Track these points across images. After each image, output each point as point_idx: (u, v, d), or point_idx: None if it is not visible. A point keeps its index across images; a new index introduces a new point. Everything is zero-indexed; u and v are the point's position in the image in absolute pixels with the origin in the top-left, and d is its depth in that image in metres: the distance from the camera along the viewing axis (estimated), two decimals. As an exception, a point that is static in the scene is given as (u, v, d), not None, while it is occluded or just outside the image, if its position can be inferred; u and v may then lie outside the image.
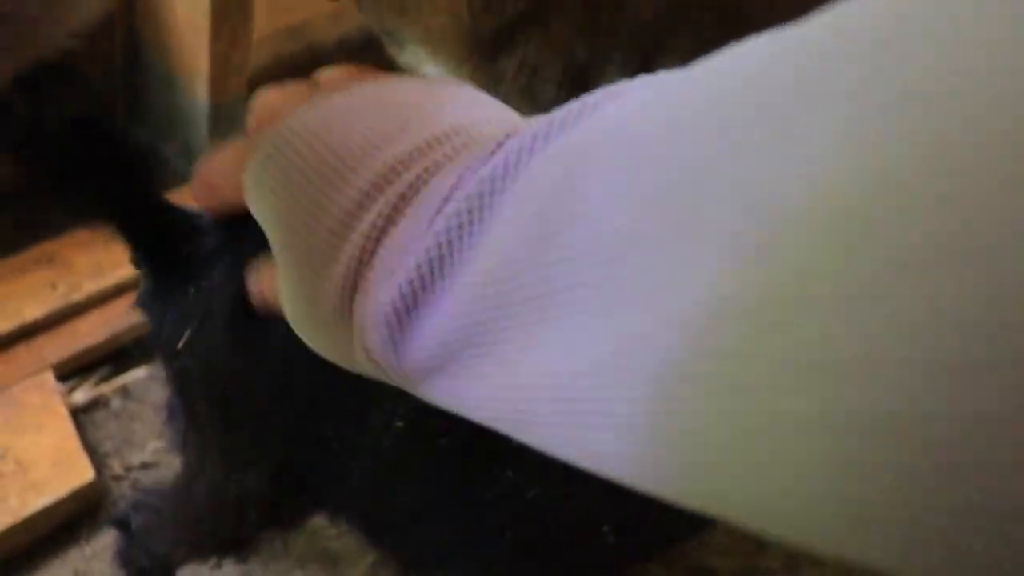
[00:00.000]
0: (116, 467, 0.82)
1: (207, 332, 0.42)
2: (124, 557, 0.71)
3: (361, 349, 0.28)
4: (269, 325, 0.40)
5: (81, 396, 0.85)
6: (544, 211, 0.22)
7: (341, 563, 0.76)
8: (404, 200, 0.26)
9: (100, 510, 0.78)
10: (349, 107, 0.30)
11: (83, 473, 0.75)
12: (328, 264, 0.28)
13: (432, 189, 0.26)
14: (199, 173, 0.36)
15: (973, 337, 0.13)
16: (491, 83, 0.43)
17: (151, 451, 0.83)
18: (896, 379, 0.14)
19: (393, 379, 0.28)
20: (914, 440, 0.14)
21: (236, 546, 0.63)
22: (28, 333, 0.83)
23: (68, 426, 0.78)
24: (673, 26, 0.36)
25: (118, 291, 0.87)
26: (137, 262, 0.45)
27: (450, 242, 0.24)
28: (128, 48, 0.91)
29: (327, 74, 0.37)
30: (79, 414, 0.84)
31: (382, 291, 0.26)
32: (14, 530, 0.71)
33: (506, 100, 0.28)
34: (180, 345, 0.43)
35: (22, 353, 0.82)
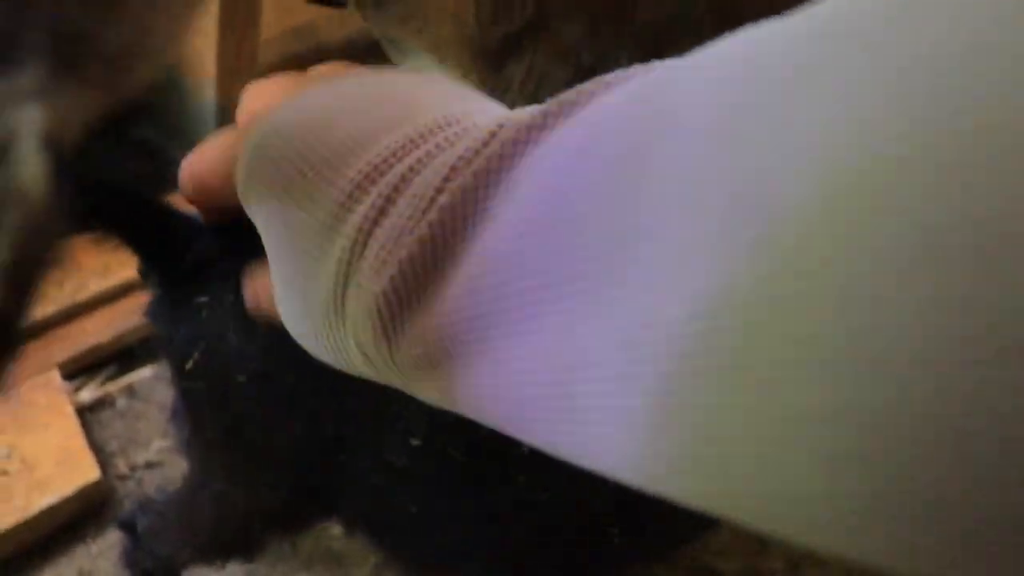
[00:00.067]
0: (121, 466, 0.82)
1: (218, 354, 0.42)
2: (129, 558, 0.71)
3: (354, 345, 0.27)
4: (282, 348, 0.40)
5: (87, 395, 0.85)
6: (542, 203, 0.22)
7: (346, 563, 0.76)
8: (396, 191, 0.26)
9: (106, 509, 0.78)
10: (341, 98, 0.30)
11: (88, 472, 0.75)
12: (320, 257, 0.27)
13: (424, 180, 0.25)
14: (186, 168, 0.36)
15: (975, 329, 0.13)
16: (498, 90, 0.43)
17: (156, 450, 0.83)
18: (897, 372, 0.14)
19: (387, 377, 0.28)
20: (917, 434, 0.14)
21: (241, 551, 0.63)
22: (34, 332, 0.83)
23: (74, 425, 0.79)
24: (677, 29, 0.36)
25: (124, 291, 0.87)
26: (145, 272, 0.45)
27: (444, 234, 0.24)
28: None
29: (320, 69, 0.36)
30: (85, 413, 0.84)
31: (374, 282, 0.25)
32: (20, 528, 0.71)
33: (513, 107, 0.28)
34: (189, 366, 0.43)
35: (28, 352, 0.82)
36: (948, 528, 0.15)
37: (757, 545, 0.75)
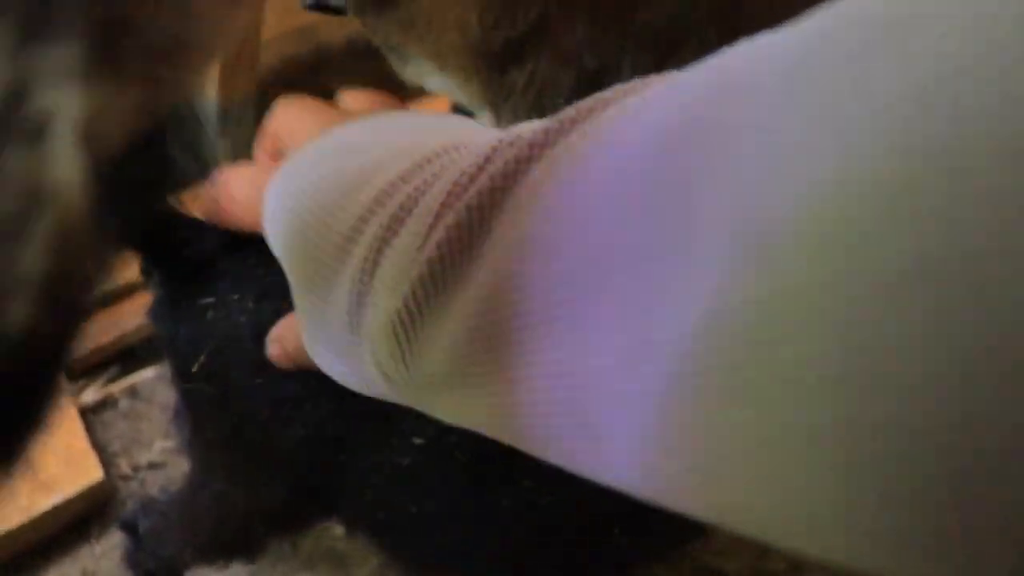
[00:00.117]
0: (124, 466, 0.82)
1: (222, 358, 0.42)
2: (132, 559, 0.71)
3: (373, 365, 0.28)
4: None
5: (90, 396, 0.86)
6: (544, 222, 0.22)
7: (349, 564, 0.76)
8: (402, 212, 0.26)
9: (109, 509, 0.78)
10: (354, 141, 0.31)
11: (92, 472, 0.75)
12: (335, 282, 0.28)
13: (429, 200, 0.26)
14: (213, 193, 0.37)
15: (971, 349, 0.13)
16: (501, 96, 0.43)
17: (159, 451, 0.83)
18: (895, 390, 0.14)
19: (407, 396, 0.28)
20: (914, 450, 0.14)
21: (243, 553, 0.63)
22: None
23: (77, 426, 0.79)
24: (681, 34, 0.36)
25: (127, 291, 0.87)
26: (148, 273, 0.45)
27: (451, 253, 0.24)
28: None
29: (349, 99, 0.37)
30: (88, 414, 0.84)
31: (388, 300, 0.26)
32: (24, 529, 0.71)
33: (516, 113, 0.28)
34: (194, 368, 0.43)
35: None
36: (941, 535, 0.15)
37: (760, 545, 0.75)
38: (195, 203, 0.38)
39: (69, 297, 0.14)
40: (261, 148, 0.37)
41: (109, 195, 0.14)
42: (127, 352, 0.89)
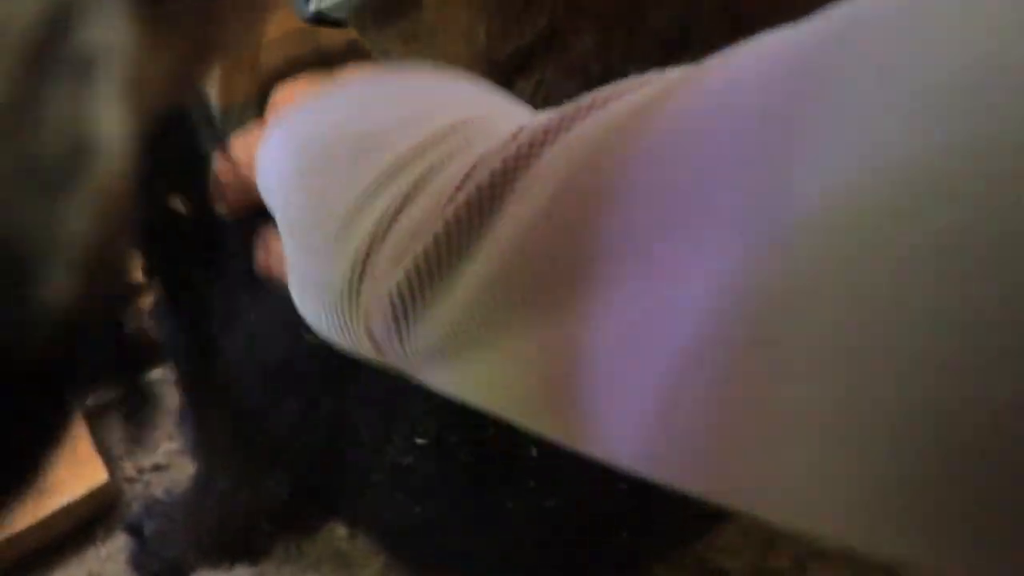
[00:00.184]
0: (129, 469, 0.82)
1: (221, 345, 0.42)
2: (137, 561, 0.71)
3: (365, 334, 0.28)
4: (290, 348, 0.40)
5: (94, 399, 0.86)
6: (556, 202, 0.22)
7: (353, 565, 0.76)
8: (417, 187, 0.26)
9: (114, 511, 0.78)
10: (369, 93, 0.31)
11: (97, 475, 0.76)
12: (339, 246, 0.28)
13: (445, 177, 0.26)
14: (227, 152, 0.37)
15: (988, 332, 0.13)
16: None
17: (163, 453, 0.83)
18: (908, 369, 0.14)
19: (395, 364, 0.28)
20: (929, 430, 0.14)
21: (248, 555, 0.63)
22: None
23: (82, 429, 0.79)
24: (686, 38, 0.36)
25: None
26: (150, 273, 0.45)
27: (459, 231, 0.24)
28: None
29: (348, 72, 0.37)
30: (92, 417, 0.84)
31: (389, 275, 0.26)
32: (29, 531, 0.72)
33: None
34: (196, 365, 0.43)
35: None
36: (948, 513, 0.15)
37: (764, 544, 0.75)
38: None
39: (111, 273, 0.13)
40: (267, 121, 0.37)
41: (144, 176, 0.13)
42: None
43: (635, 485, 0.45)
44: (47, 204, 0.11)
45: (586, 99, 0.24)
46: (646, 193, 0.20)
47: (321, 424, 0.45)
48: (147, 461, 0.83)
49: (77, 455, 0.77)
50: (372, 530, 0.54)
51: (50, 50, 0.11)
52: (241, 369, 0.43)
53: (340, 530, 0.76)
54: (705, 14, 0.37)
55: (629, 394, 0.20)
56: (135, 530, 0.71)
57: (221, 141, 0.38)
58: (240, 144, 0.37)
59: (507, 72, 0.42)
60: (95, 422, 0.84)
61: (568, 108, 0.24)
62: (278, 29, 0.95)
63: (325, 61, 0.45)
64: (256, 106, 0.37)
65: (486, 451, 0.45)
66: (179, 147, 0.40)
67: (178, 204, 0.43)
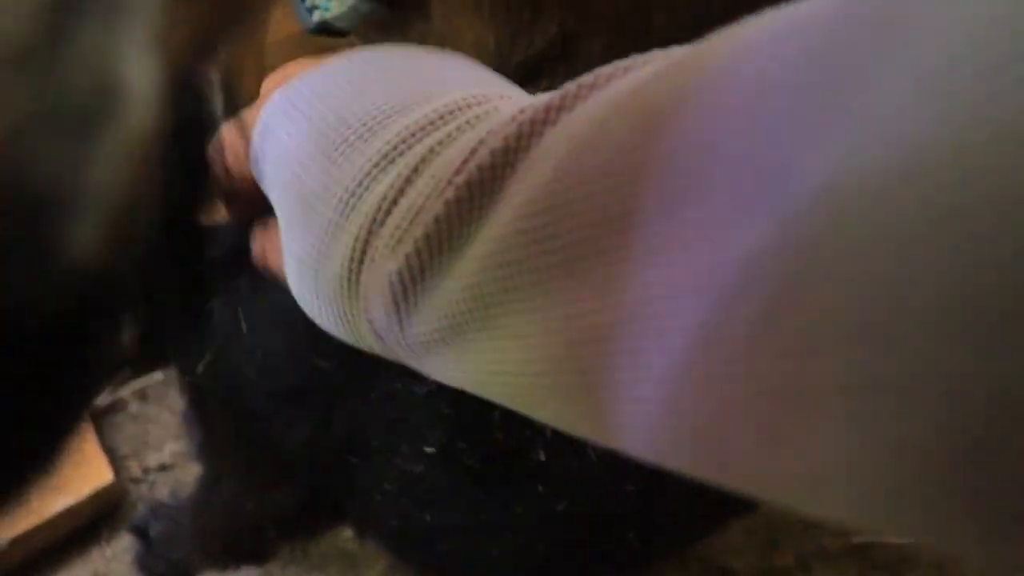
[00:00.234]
0: (134, 469, 0.82)
1: (229, 358, 0.42)
2: (142, 562, 0.71)
3: (365, 321, 0.27)
4: (297, 355, 0.40)
5: (100, 399, 0.86)
6: (557, 179, 0.22)
7: (359, 565, 0.76)
8: (416, 172, 0.26)
9: (119, 511, 0.79)
10: (365, 69, 0.30)
11: (102, 475, 0.76)
12: (337, 231, 0.27)
13: (446, 159, 0.25)
14: (220, 138, 0.36)
15: (997, 304, 0.13)
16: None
17: (169, 453, 0.84)
18: (922, 344, 0.14)
19: (396, 354, 0.28)
20: (940, 407, 0.14)
21: (253, 557, 0.63)
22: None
23: (88, 429, 0.79)
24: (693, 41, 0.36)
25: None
26: (154, 279, 0.45)
27: (460, 212, 0.24)
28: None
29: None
30: (98, 417, 0.84)
31: (389, 259, 0.25)
32: (35, 531, 0.72)
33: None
34: (200, 368, 0.43)
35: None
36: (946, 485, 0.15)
37: (769, 543, 0.75)
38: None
39: (138, 234, 0.12)
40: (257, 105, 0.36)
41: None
42: (136, 355, 0.89)
43: (641, 486, 0.45)
44: (72, 148, 0.10)
45: (588, 78, 0.24)
46: (654, 170, 0.20)
47: (333, 441, 0.45)
48: (152, 461, 0.83)
49: (83, 455, 0.77)
50: (380, 537, 0.54)
51: None
52: (247, 387, 0.43)
53: (345, 531, 0.76)
54: (712, 19, 0.37)
55: (640, 375, 0.20)
56: (140, 532, 0.71)
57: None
58: (232, 132, 0.36)
59: (517, 80, 0.42)
60: (101, 422, 0.84)
61: (570, 87, 0.24)
62: (281, 32, 0.95)
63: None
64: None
65: (494, 457, 0.45)
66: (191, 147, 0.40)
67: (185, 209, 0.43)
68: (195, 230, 0.43)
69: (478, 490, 0.47)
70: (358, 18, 0.41)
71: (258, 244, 0.37)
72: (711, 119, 0.18)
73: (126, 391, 0.87)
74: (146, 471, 0.82)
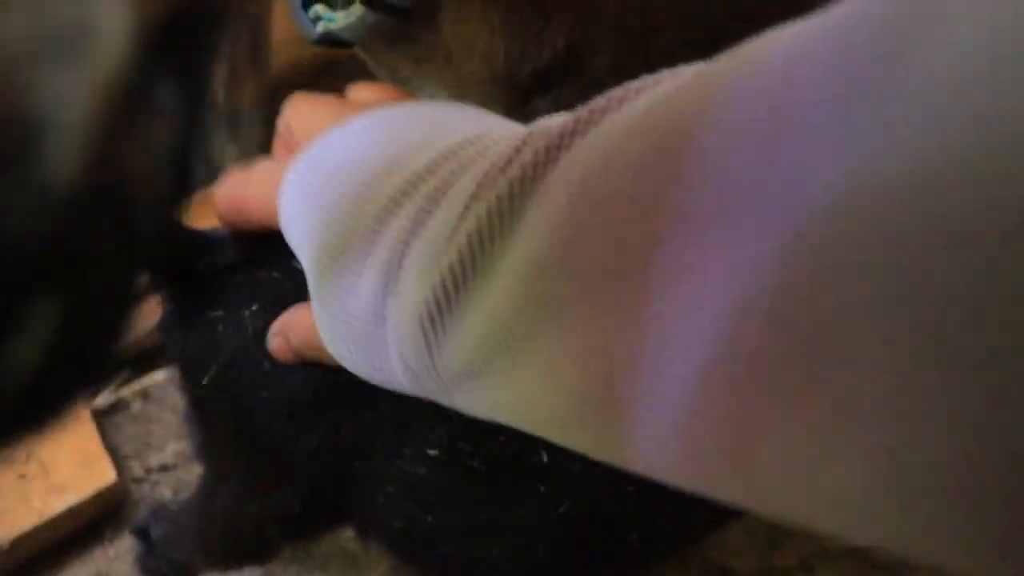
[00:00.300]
0: (137, 469, 0.83)
1: (233, 370, 0.42)
2: (144, 563, 0.71)
3: (398, 357, 0.27)
4: (307, 365, 0.40)
5: (102, 399, 0.86)
6: (574, 207, 0.22)
7: (361, 565, 0.76)
8: (431, 202, 0.26)
9: (122, 511, 0.79)
10: (377, 127, 0.31)
11: (105, 475, 0.76)
12: (361, 270, 0.28)
13: (461, 189, 0.26)
14: (225, 191, 0.37)
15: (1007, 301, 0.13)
16: (521, 123, 0.42)
17: (171, 453, 0.84)
18: (950, 360, 0.14)
19: (430, 390, 0.28)
20: (965, 432, 0.14)
21: (255, 559, 0.63)
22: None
23: (90, 428, 0.79)
24: (699, 53, 0.36)
25: (139, 295, 0.88)
26: (156, 287, 0.45)
27: (481, 241, 0.24)
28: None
29: (357, 93, 0.37)
30: (101, 417, 0.84)
31: (416, 291, 0.26)
32: (37, 531, 0.72)
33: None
34: (205, 380, 0.43)
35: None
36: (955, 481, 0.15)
37: (770, 544, 0.75)
38: (205, 211, 0.38)
39: (121, 159, 0.12)
40: (276, 144, 0.37)
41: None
42: (139, 356, 0.89)
43: (643, 487, 0.45)
44: (50, 73, 0.11)
45: (600, 102, 0.24)
46: (670, 195, 0.20)
47: (337, 447, 0.45)
48: (155, 461, 0.83)
49: (85, 455, 0.77)
50: (382, 538, 0.54)
51: None
52: (253, 398, 0.43)
53: (348, 531, 0.76)
54: (719, 30, 0.37)
55: (662, 401, 0.20)
56: (142, 533, 0.71)
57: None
58: (248, 182, 0.37)
59: (525, 91, 0.42)
60: (103, 422, 0.84)
61: (581, 112, 0.24)
62: (286, 32, 0.95)
63: (333, 64, 0.45)
64: (264, 106, 0.37)
65: (497, 459, 0.45)
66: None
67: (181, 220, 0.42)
68: (193, 236, 0.43)
69: (481, 492, 0.47)
70: (364, 29, 0.41)
71: (277, 326, 0.38)
72: (725, 141, 0.19)
73: (128, 391, 0.87)
74: (148, 471, 0.83)
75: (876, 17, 0.17)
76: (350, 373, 0.32)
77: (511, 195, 0.24)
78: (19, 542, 0.71)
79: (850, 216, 0.15)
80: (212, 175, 0.37)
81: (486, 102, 0.43)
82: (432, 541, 0.51)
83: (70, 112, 0.11)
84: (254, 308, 0.41)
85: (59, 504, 0.73)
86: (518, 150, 0.25)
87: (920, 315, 0.14)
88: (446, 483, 0.46)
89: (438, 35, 0.41)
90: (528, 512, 0.47)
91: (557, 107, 0.41)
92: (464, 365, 0.25)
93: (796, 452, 0.17)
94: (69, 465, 0.76)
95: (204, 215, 0.45)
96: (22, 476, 0.74)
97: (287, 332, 0.38)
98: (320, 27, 0.42)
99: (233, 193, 0.37)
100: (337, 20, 0.41)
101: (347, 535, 0.76)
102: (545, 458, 0.45)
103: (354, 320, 0.29)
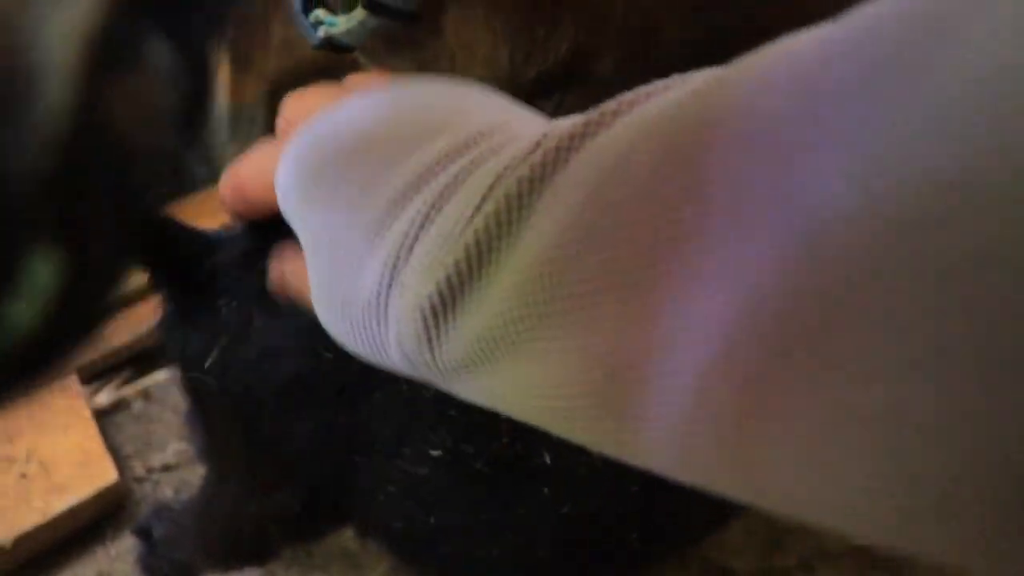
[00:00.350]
0: (138, 468, 0.83)
1: (234, 358, 0.42)
2: (145, 563, 0.71)
3: (395, 345, 0.28)
4: (305, 366, 0.40)
5: (104, 399, 0.86)
6: (584, 209, 0.22)
7: (362, 565, 0.76)
8: (444, 196, 0.26)
9: (123, 511, 0.79)
10: (384, 106, 0.31)
11: (106, 474, 0.76)
12: (366, 257, 0.28)
13: (472, 185, 0.26)
14: (228, 178, 0.36)
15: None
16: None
17: (172, 453, 0.84)
18: (958, 373, 0.14)
19: (424, 376, 0.28)
20: (966, 438, 0.14)
21: (256, 559, 0.63)
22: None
23: (91, 428, 0.79)
24: (701, 57, 0.36)
25: (140, 295, 0.88)
26: (156, 287, 0.45)
27: (489, 239, 0.24)
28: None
29: (356, 78, 0.37)
30: (102, 417, 0.85)
31: (421, 285, 0.26)
32: (39, 531, 0.72)
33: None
34: (206, 366, 0.43)
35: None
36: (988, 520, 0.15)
37: (770, 544, 0.75)
38: (205, 211, 0.38)
39: (108, 106, 0.13)
40: (277, 133, 0.37)
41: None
42: (140, 355, 0.89)
43: (644, 487, 0.45)
44: (41, 16, 0.11)
45: (611, 105, 0.24)
46: (681, 200, 0.20)
47: (336, 441, 0.45)
48: (156, 461, 0.83)
49: (87, 455, 0.77)
50: (383, 538, 0.54)
51: None
52: (253, 384, 0.43)
53: (348, 531, 0.76)
54: (723, 36, 0.37)
55: (670, 402, 0.20)
56: (144, 533, 0.71)
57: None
58: (246, 162, 0.37)
59: (529, 95, 0.41)
60: (105, 422, 0.84)
61: (592, 114, 0.24)
62: (287, 31, 0.95)
63: (336, 62, 0.44)
64: (265, 106, 0.37)
65: (500, 460, 0.45)
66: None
67: (181, 220, 0.43)
68: (193, 236, 0.43)
69: (483, 493, 0.47)
70: (366, 33, 0.40)
71: (276, 270, 0.37)
72: (738, 149, 0.19)
73: (129, 391, 0.88)
74: (150, 471, 0.83)
75: (891, 28, 0.17)
76: (344, 354, 0.32)
77: (520, 194, 0.24)
78: (20, 542, 0.71)
79: (862, 225, 0.15)
80: (212, 175, 0.37)
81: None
82: (432, 541, 0.51)
83: (61, 54, 0.12)
84: (254, 302, 0.41)
85: (60, 504, 0.73)
86: (531, 151, 0.25)
87: (926, 322, 0.14)
88: (447, 483, 0.46)
89: (441, 39, 0.41)
90: (529, 512, 0.47)
91: (559, 111, 0.41)
92: (464, 358, 0.25)
93: (797, 452, 0.17)
94: (70, 465, 0.76)
95: (204, 215, 0.45)
96: (23, 476, 0.74)
97: (286, 273, 0.37)
98: (321, 32, 0.42)
99: (233, 174, 0.36)
100: (338, 24, 0.41)
101: (348, 535, 0.76)
102: (548, 459, 0.45)
103: (354, 309, 0.29)
